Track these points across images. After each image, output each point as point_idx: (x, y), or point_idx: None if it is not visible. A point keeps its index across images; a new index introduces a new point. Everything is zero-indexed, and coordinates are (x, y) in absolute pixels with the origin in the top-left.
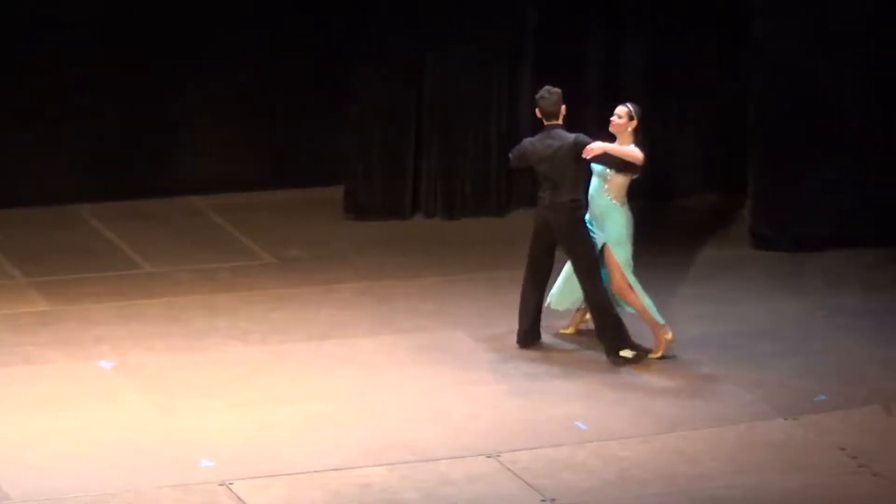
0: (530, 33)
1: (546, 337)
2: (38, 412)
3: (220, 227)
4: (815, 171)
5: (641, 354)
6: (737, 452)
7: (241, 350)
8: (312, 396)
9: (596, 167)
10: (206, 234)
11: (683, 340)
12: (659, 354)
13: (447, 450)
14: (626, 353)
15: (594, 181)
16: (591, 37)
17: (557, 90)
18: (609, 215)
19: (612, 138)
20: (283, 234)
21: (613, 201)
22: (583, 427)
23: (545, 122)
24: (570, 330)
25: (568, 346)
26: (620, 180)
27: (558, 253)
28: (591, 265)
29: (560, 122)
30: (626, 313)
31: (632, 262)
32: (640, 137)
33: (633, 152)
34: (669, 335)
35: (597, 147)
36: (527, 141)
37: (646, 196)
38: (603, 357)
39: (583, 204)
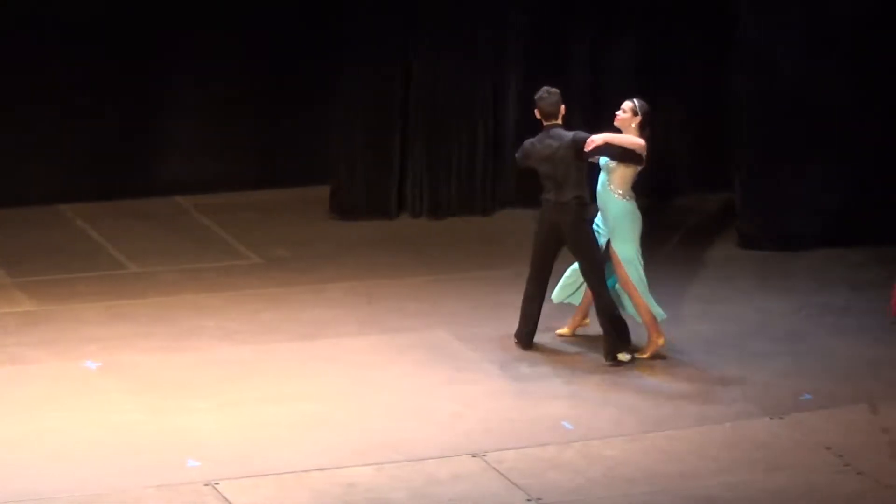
0: (516, 33)
1: (537, 337)
2: (25, 413)
3: (207, 227)
4: (801, 170)
5: (636, 358)
6: (723, 451)
7: (228, 350)
8: (299, 396)
9: (601, 161)
10: (193, 233)
11: (669, 339)
12: (647, 355)
13: (434, 449)
14: (624, 356)
15: (600, 176)
16: (577, 37)
17: (556, 90)
18: (613, 209)
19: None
20: (270, 233)
21: (617, 194)
22: (569, 427)
23: (544, 123)
24: (567, 331)
25: (555, 346)
26: (623, 172)
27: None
28: (595, 266)
29: (559, 121)
30: (628, 315)
31: (641, 260)
32: (646, 133)
33: (632, 139)
34: (662, 340)
35: (597, 138)
36: (528, 141)
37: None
38: (590, 356)
39: (587, 201)
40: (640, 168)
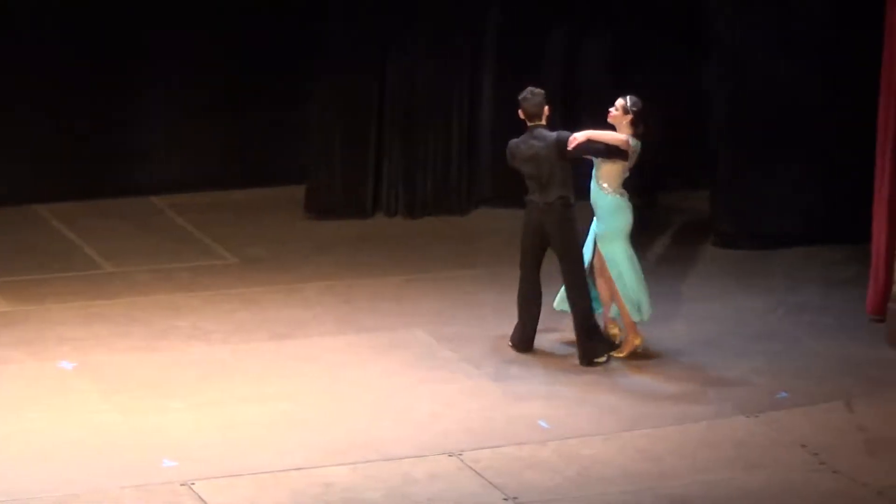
0: (491, 33)
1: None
2: (0, 413)
3: (183, 227)
4: (776, 169)
5: (612, 357)
6: (699, 450)
7: (204, 350)
8: (275, 396)
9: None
10: (168, 233)
11: (647, 339)
12: (623, 355)
13: (410, 449)
14: (600, 359)
15: (593, 172)
16: (552, 35)
17: (541, 91)
18: (602, 204)
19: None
20: (245, 233)
21: (605, 190)
22: (545, 426)
23: (528, 123)
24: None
25: (535, 345)
26: (610, 167)
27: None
28: (576, 268)
29: (543, 122)
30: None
31: (633, 257)
32: (639, 130)
33: (614, 135)
34: (639, 340)
35: (580, 136)
36: (512, 142)
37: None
38: (569, 356)
39: (571, 202)
40: (627, 164)
